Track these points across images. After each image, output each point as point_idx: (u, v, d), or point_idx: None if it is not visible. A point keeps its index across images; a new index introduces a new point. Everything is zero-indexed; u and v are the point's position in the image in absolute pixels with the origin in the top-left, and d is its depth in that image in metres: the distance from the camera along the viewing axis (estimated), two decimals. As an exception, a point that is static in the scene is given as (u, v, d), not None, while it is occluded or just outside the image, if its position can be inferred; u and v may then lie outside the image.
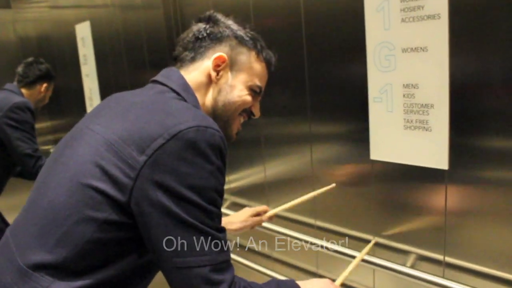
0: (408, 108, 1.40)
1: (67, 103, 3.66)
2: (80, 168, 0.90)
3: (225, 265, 0.91)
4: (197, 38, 1.12)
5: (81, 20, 3.11)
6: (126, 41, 2.67)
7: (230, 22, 1.15)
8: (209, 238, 0.88)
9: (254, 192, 2.09)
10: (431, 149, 1.37)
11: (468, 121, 1.29)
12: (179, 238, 0.86)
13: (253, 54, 1.15)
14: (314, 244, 1.76)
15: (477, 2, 1.22)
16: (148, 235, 0.88)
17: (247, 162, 2.09)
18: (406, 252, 1.54)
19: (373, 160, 1.54)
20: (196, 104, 1.06)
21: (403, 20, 1.35)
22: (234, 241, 2.27)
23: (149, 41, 2.49)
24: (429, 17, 1.29)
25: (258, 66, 1.16)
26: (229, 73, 1.12)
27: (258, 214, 1.60)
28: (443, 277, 1.41)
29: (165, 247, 0.87)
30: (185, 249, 0.86)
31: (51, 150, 3.50)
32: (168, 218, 0.86)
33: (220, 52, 1.10)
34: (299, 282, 1.10)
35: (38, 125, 3.13)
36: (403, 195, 1.50)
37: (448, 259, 1.42)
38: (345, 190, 1.67)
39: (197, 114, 0.93)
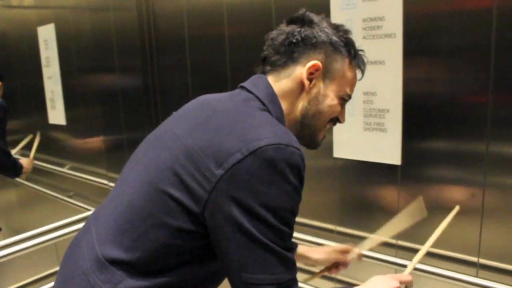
0: (367, 112, 1.63)
1: (25, 104, 3.65)
2: (160, 175, 0.92)
3: (291, 283, 0.90)
4: (290, 42, 1.04)
5: (44, 21, 3.14)
6: (95, 43, 2.73)
7: (324, 25, 1.06)
8: (279, 257, 0.88)
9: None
10: (386, 147, 1.60)
11: (418, 123, 1.53)
12: (249, 254, 0.86)
13: (346, 61, 1.07)
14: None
15: (427, 24, 1.46)
16: (219, 247, 0.89)
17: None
18: (364, 238, 1.76)
19: (336, 157, 1.75)
20: (280, 116, 1.02)
21: (364, 37, 1.57)
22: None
23: (120, 44, 2.56)
24: (386, 35, 1.52)
25: (350, 74, 1.09)
26: (322, 82, 1.05)
27: (344, 252, 1.44)
28: (396, 256, 1.65)
29: (234, 262, 0.87)
30: (254, 266, 0.86)
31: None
32: (240, 234, 0.85)
33: (314, 59, 1.03)
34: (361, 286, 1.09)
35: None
36: (362, 188, 1.72)
37: (401, 242, 1.65)
38: (311, 185, 1.87)
39: (278, 130, 0.90)
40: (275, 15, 1.84)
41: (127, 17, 2.48)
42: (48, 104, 3.30)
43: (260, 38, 1.90)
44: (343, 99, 1.09)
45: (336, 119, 1.13)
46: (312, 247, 1.49)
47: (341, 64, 1.05)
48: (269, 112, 0.99)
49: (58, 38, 3.05)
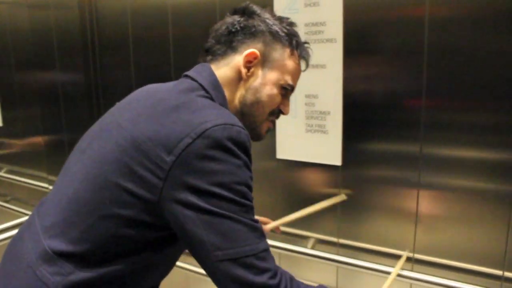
0: (309, 114, 1.67)
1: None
2: (108, 167, 0.91)
3: (267, 253, 0.90)
4: (230, 32, 1.07)
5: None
6: (35, 42, 2.64)
7: (266, 16, 1.09)
8: (247, 227, 0.87)
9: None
10: (327, 148, 1.66)
11: (358, 125, 1.60)
12: (217, 232, 0.85)
13: (287, 51, 1.09)
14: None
15: (365, 30, 1.52)
16: (185, 234, 0.88)
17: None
18: (306, 237, 1.80)
19: (279, 158, 1.79)
20: (223, 102, 1.04)
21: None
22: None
23: (61, 42, 2.48)
24: (327, 40, 1.57)
25: (292, 64, 1.10)
26: (261, 70, 1.07)
27: (264, 224, 1.54)
28: (337, 254, 1.70)
29: (205, 244, 0.85)
30: (225, 241, 0.85)
31: None
32: (203, 215, 0.85)
33: (252, 48, 1.05)
34: None
35: None
36: (304, 188, 1.77)
37: (342, 240, 1.71)
38: (255, 185, 1.90)
39: (222, 112, 0.93)
40: (220, 17, 1.84)
41: (68, 15, 2.41)
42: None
43: (204, 38, 1.92)
44: (284, 89, 1.10)
45: (279, 111, 1.14)
46: None
47: (281, 53, 1.07)
48: (212, 99, 1.01)
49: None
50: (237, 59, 1.06)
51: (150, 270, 1.00)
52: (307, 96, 1.66)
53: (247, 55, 1.05)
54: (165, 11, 2.04)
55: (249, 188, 0.93)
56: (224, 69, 1.07)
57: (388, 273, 1.57)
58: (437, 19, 1.41)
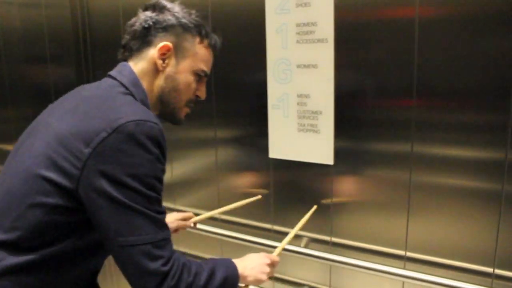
0: (301, 114, 1.68)
1: None
2: (35, 160, 1.01)
3: (165, 242, 1.01)
4: (143, 27, 1.17)
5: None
6: (26, 41, 2.62)
7: (176, 10, 1.19)
8: (150, 219, 0.98)
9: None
10: (319, 148, 1.66)
11: (349, 125, 1.60)
12: (122, 220, 0.96)
13: (197, 40, 1.20)
14: (219, 234, 1.98)
15: (356, 30, 1.53)
16: (95, 218, 0.99)
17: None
18: (300, 236, 1.81)
19: (271, 158, 1.80)
20: (144, 97, 1.14)
21: (298, 42, 1.62)
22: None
23: (52, 42, 2.47)
24: (319, 40, 1.57)
25: (203, 51, 1.22)
26: (175, 60, 1.17)
27: (184, 219, 1.69)
28: (331, 253, 1.71)
29: (110, 229, 0.97)
30: (128, 229, 0.96)
31: None
32: (112, 203, 0.95)
33: (165, 41, 1.16)
34: (235, 260, 1.24)
35: None
36: (297, 187, 1.78)
37: (335, 239, 1.72)
38: (247, 184, 1.91)
39: (138, 109, 1.03)
40: (211, 16, 1.85)
41: (60, 14, 2.40)
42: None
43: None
44: (198, 75, 1.22)
45: (196, 96, 1.26)
46: None
47: (191, 42, 1.19)
48: (133, 95, 1.11)
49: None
50: (152, 52, 1.16)
51: (84, 253, 1.09)
52: (299, 95, 1.67)
53: (160, 48, 1.15)
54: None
55: (159, 180, 1.02)
56: (141, 63, 1.17)
57: (382, 271, 1.58)
58: (427, 19, 1.41)
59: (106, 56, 2.31)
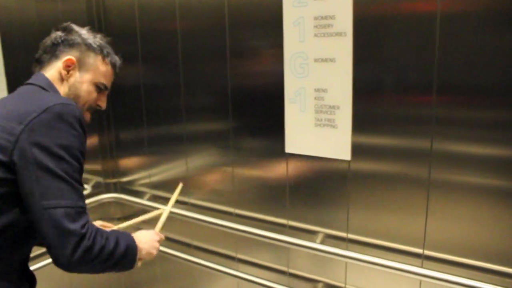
0: (318, 108, 1.65)
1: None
2: None
3: (83, 209, 1.15)
4: (53, 44, 1.38)
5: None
6: (42, 34, 2.62)
7: (83, 32, 1.41)
8: (72, 187, 1.12)
9: (176, 185, 2.22)
10: (336, 143, 1.64)
11: (367, 120, 1.57)
12: (47, 185, 1.10)
13: (99, 58, 1.41)
14: (233, 229, 1.97)
15: (375, 24, 1.50)
16: (24, 185, 1.11)
17: (170, 157, 2.23)
18: (315, 232, 1.79)
19: (288, 153, 1.78)
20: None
21: (315, 35, 1.60)
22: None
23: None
24: (337, 34, 1.55)
25: (104, 68, 1.43)
26: (78, 73, 1.37)
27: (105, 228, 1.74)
28: (347, 250, 1.69)
29: (36, 194, 1.09)
30: (52, 194, 1.10)
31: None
32: (40, 169, 1.09)
33: (70, 55, 1.36)
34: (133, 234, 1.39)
35: None
36: (313, 183, 1.75)
37: (351, 235, 1.70)
38: (263, 178, 1.89)
39: (62, 97, 1.25)
40: (228, 9, 1.83)
41: (76, 8, 2.40)
42: (-9, 97, 3.14)
43: (212, 31, 1.91)
44: (99, 87, 1.42)
45: (96, 105, 1.44)
46: None
47: (94, 59, 1.40)
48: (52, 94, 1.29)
49: (0, 28, 2.91)
50: (59, 65, 1.36)
51: (25, 232, 1.19)
52: (316, 90, 1.64)
53: (65, 61, 1.36)
54: (173, 4, 2.02)
55: (82, 154, 1.18)
56: (50, 72, 1.36)
57: (399, 269, 1.56)
58: (449, 13, 1.38)
59: (121, 48, 2.30)
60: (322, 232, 1.78)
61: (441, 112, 1.45)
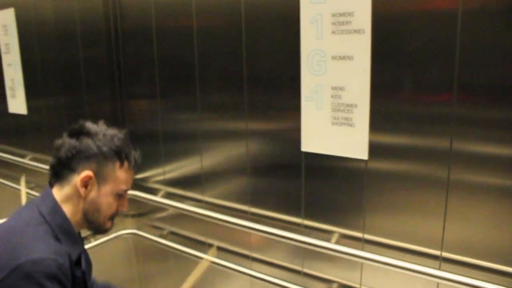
0: (335, 107, 1.63)
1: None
2: None
3: None
4: (67, 156, 1.30)
5: (2, 5, 3.01)
6: (58, 31, 2.65)
7: (99, 136, 1.33)
8: None
9: (191, 183, 2.22)
10: (354, 142, 1.61)
11: (385, 119, 1.55)
12: None
13: (117, 165, 1.34)
14: (247, 227, 1.96)
15: (395, 21, 1.47)
16: None
17: (184, 154, 2.22)
18: (331, 232, 1.77)
19: (304, 151, 1.76)
20: (62, 222, 1.28)
21: (333, 32, 1.57)
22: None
23: (84, 32, 2.49)
24: (355, 31, 1.52)
25: (122, 174, 1.36)
26: (96, 186, 1.32)
27: None
28: (363, 250, 1.67)
29: None
30: None
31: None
32: None
33: (87, 169, 1.30)
34: None
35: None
36: (329, 182, 1.73)
37: (367, 236, 1.68)
38: (279, 177, 1.88)
39: (42, 245, 1.17)
40: (244, 7, 1.81)
41: (92, 5, 2.41)
42: (8, 93, 3.18)
43: (229, 35, 1.89)
44: (120, 195, 1.37)
45: (118, 211, 1.40)
46: None
47: (111, 169, 1.33)
48: (49, 223, 1.25)
49: (18, 23, 2.94)
50: (76, 180, 1.29)
51: None
52: (334, 88, 1.62)
53: (82, 178, 1.29)
54: (189, 0, 2.01)
55: None
56: (66, 188, 1.31)
57: (415, 271, 1.53)
58: (470, 9, 1.34)
59: (137, 45, 2.31)
60: (337, 232, 1.76)
61: (461, 111, 1.41)
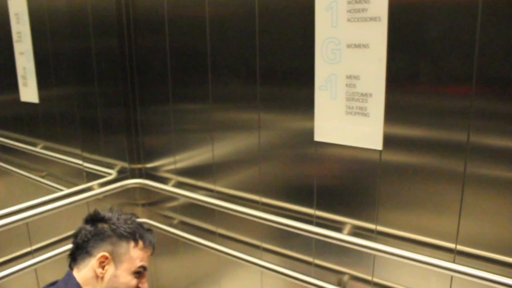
0: (350, 96, 1.60)
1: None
2: None
3: None
4: (84, 241, 1.40)
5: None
6: (70, 20, 2.64)
7: (114, 220, 1.44)
8: None
9: (202, 172, 2.21)
10: (368, 132, 1.59)
11: (401, 109, 1.52)
12: None
13: (132, 245, 1.43)
14: (259, 217, 1.94)
15: (412, 9, 1.43)
16: None
17: (196, 144, 2.21)
18: (343, 223, 1.75)
19: (317, 141, 1.73)
20: None
21: (348, 20, 1.54)
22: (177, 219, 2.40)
23: (96, 21, 2.47)
24: (371, 19, 1.49)
25: (138, 252, 1.44)
26: (113, 265, 1.40)
27: None
28: (375, 242, 1.65)
29: None
30: None
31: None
32: None
33: (103, 250, 1.39)
34: None
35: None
36: (342, 172, 1.71)
37: (380, 228, 1.65)
38: (291, 167, 1.86)
39: None
40: (258, 4, 1.79)
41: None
42: (20, 81, 3.18)
43: (242, 25, 1.87)
44: (137, 272, 1.43)
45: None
46: None
47: (126, 248, 1.42)
48: None
49: (30, 12, 2.94)
50: (93, 262, 1.38)
51: None
52: (348, 77, 1.59)
53: (98, 259, 1.38)
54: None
55: None
56: (84, 271, 1.39)
57: (429, 264, 1.51)
58: (490, 1, 1.30)
59: (149, 35, 2.29)
60: (350, 223, 1.74)
61: (480, 104, 1.38)
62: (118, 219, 1.44)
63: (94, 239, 1.40)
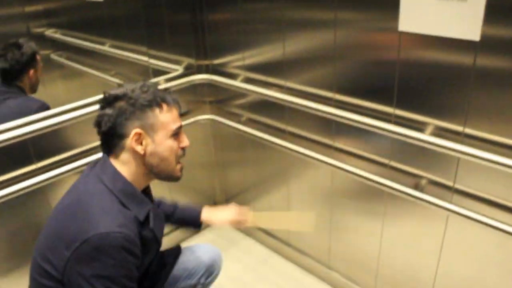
0: (445, -23, 1.38)
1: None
2: (39, 250, 1.33)
3: None
4: (109, 127, 1.33)
5: None
6: None
7: (130, 93, 1.34)
8: None
9: (272, 68, 2.10)
10: (464, 19, 1.38)
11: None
12: None
13: (157, 111, 1.35)
14: (332, 114, 1.85)
15: None
16: None
17: (266, 41, 2.07)
18: (425, 123, 1.61)
19: (402, 31, 1.55)
20: (124, 186, 1.34)
21: None
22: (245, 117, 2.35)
23: None
24: None
25: (167, 116, 1.37)
26: (149, 138, 1.35)
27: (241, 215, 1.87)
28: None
29: None
30: None
31: None
32: None
33: (133, 128, 1.32)
34: None
35: None
36: (430, 67, 1.53)
37: (468, 130, 1.51)
38: (370, 61, 1.70)
39: (106, 220, 1.24)
40: None
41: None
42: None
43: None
44: (175, 134, 1.39)
45: (182, 150, 1.44)
46: (213, 210, 1.87)
47: (153, 116, 1.34)
48: (111, 190, 1.32)
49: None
50: (128, 143, 1.34)
51: None
52: (445, -47, 1.36)
53: (133, 137, 1.33)
54: None
55: (130, 278, 1.28)
56: (122, 155, 1.36)
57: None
58: None
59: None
60: (433, 124, 1.60)
61: None
62: (133, 91, 1.35)
63: (119, 120, 1.32)
